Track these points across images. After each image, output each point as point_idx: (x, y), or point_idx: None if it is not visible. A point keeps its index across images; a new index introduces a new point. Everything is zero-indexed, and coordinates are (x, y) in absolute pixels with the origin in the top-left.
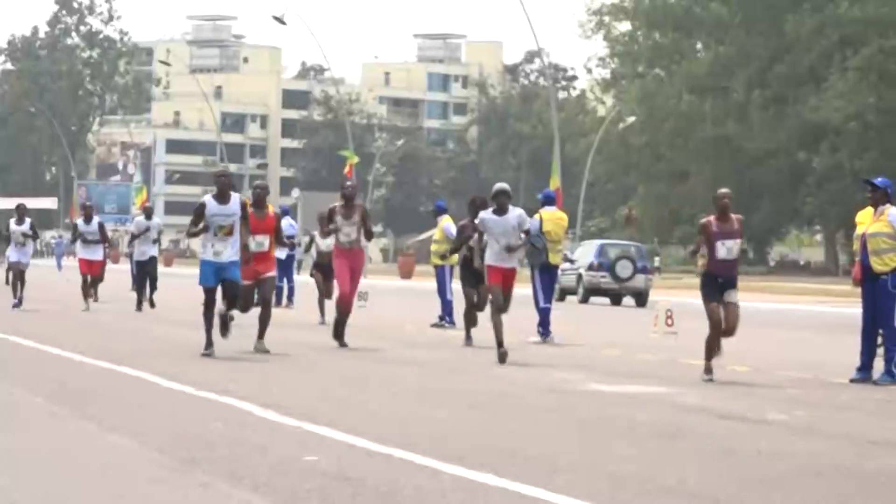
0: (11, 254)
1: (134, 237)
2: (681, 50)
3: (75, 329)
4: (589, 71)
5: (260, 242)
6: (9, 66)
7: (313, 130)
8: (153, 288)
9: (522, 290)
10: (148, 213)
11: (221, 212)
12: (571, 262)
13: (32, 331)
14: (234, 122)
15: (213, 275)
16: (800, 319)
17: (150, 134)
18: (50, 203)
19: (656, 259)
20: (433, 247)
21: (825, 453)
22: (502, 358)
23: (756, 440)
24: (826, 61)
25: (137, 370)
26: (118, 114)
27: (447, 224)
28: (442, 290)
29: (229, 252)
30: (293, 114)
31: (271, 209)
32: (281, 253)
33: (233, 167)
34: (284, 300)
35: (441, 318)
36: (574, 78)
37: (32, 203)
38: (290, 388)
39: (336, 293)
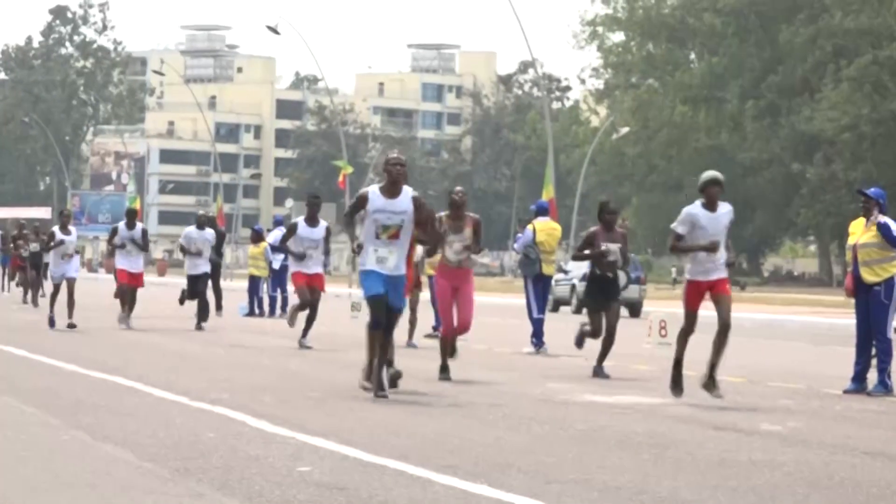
0: (121, 261)
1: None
2: (674, 60)
3: (65, 339)
4: (583, 81)
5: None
6: (2, 75)
7: (307, 140)
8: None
9: (516, 300)
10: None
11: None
12: (565, 272)
13: (25, 340)
14: (228, 132)
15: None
16: (793, 330)
17: (143, 144)
18: (44, 213)
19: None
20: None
21: (819, 464)
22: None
23: (750, 451)
24: (820, 72)
25: (130, 380)
26: (112, 123)
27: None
28: (436, 299)
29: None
30: (287, 124)
31: None
32: (275, 263)
33: (226, 177)
34: (278, 310)
35: (435, 329)
36: (568, 88)
37: (26, 213)
38: (283, 398)
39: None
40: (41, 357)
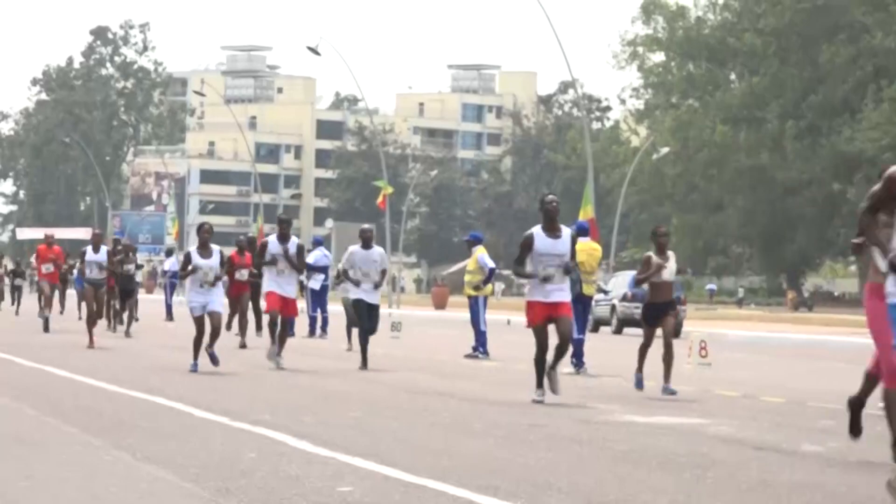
0: (270, 283)
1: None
2: (714, 80)
3: (107, 359)
4: (623, 102)
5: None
6: (43, 96)
7: (347, 161)
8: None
9: None
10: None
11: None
12: (605, 292)
13: (66, 361)
14: (269, 153)
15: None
16: (833, 350)
17: (184, 164)
18: (84, 234)
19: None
20: (467, 277)
21: (861, 486)
22: None
23: (791, 472)
24: (860, 92)
25: (171, 400)
26: (152, 144)
27: (482, 255)
28: (476, 320)
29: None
30: (327, 144)
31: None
32: (315, 283)
33: (266, 198)
34: (318, 330)
35: (475, 349)
36: (608, 108)
37: (66, 234)
38: (323, 418)
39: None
40: (82, 377)
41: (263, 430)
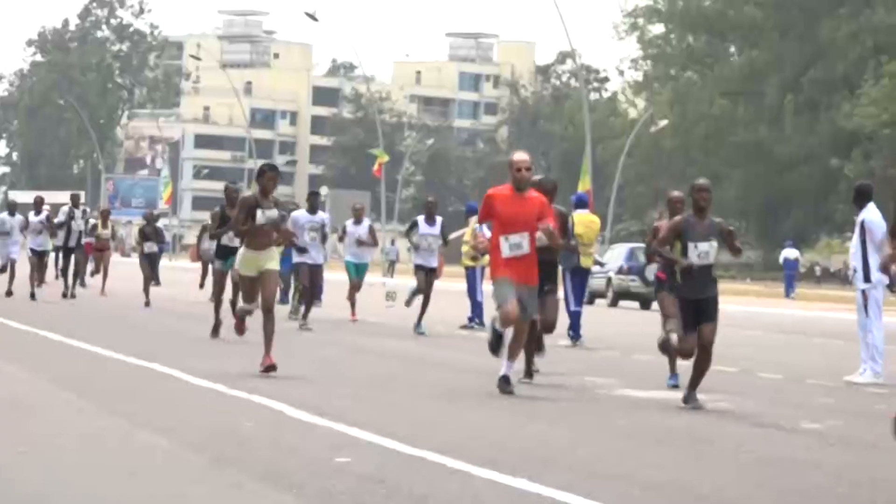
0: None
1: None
2: (714, 53)
3: (101, 324)
4: (621, 73)
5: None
6: (38, 58)
7: (343, 128)
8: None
9: None
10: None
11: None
12: (601, 265)
13: (60, 325)
14: (264, 119)
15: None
16: (830, 327)
17: (178, 128)
18: None
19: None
20: (464, 248)
21: (860, 464)
22: None
23: (791, 449)
24: (860, 67)
25: (167, 367)
26: (147, 108)
27: (479, 225)
28: (472, 291)
29: None
30: (323, 111)
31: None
32: None
33: (261, 163)
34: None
35: (471, 320)
36: (606, 80)
37: (59, 197)
38: (321, 388)
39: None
40: (77, 342)
41: (260, 398)
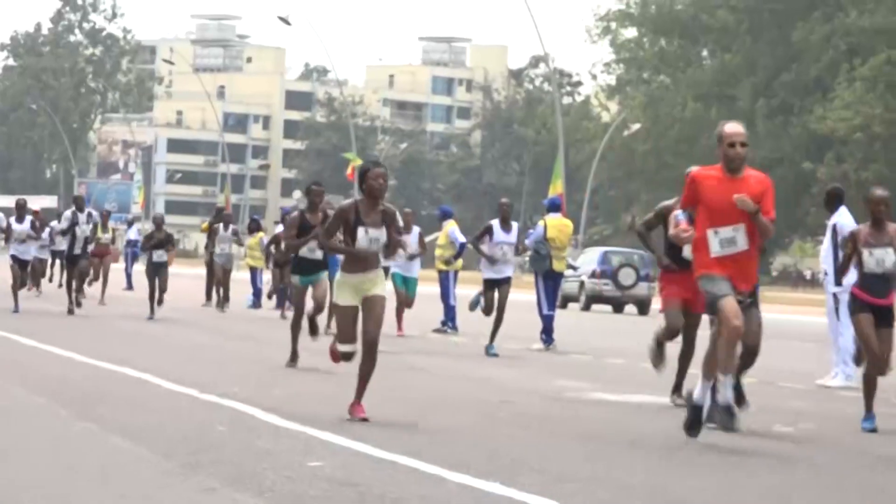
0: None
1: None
2: (686, 57)
3: (75, 329)
4: (594, 77)
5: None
6: (11, 62)
7: (316, 132)
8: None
9: (525, 296)
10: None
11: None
12: (574, 269)
13: (33, 330)
14: (237, 123)
15: None
16: (803, 331)
17: (151, 133)
18: (50, 201)
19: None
20: (437, 251)
21: (831, 466)
22: None
23: (763, 452)
24: (833, 71)
25: (139, 371)
26: (120, 112)
27: (452, 229)
28: (445, 294)
29: None
30: (296, 115)
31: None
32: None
33: (234, 168)
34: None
35: (443, 324)
36: (579, 84)
37: (33, 202)
38: (293, 392)
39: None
40: (50, 347)
41: (232, 402)
